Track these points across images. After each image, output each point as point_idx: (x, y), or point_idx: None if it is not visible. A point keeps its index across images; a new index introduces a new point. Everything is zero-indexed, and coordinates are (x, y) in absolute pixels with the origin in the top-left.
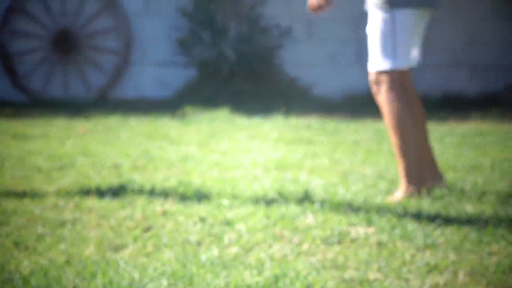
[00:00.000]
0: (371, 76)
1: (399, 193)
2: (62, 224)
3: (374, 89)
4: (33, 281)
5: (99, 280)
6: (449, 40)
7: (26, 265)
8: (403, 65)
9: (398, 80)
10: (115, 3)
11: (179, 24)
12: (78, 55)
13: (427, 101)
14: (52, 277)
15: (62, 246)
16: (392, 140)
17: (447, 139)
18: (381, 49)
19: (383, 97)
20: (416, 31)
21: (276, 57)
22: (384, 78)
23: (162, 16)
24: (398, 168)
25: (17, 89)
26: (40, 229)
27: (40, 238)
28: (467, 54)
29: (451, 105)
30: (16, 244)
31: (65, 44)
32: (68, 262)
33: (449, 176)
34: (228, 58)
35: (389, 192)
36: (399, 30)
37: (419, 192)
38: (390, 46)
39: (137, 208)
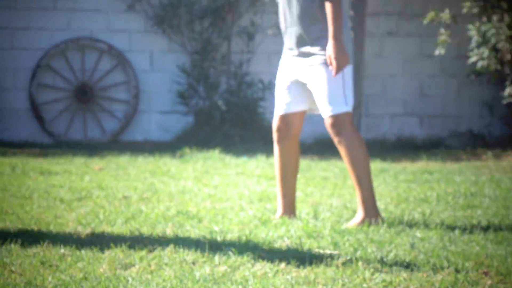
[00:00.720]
0: (328, 121)
1: (357, 219)
2: (81, 245)
3: (334, 131)
4: None
5: None
6: (402, 94)
7: (50, 281)
8: (352, 108)
9: (351, 121)
10: (125, 61)
11: (178, 79)
12: (94, 105)
13: (384, 144)
14: None
15: (80, 265)
16: (352, 174)
17: (400, 176)
18: (336, 97)
19: (345, 136)
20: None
21: (259, 107)
22: (342, 120)
23: (165, 73)
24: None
25: (44, 133)
26: (62, 251)
27: (62, 258)
28: (417, 105)
29: (404, 148)
30: (42, 263)
31: (84, 95)
32: (85, 278)
33: (401, 207)
34: (219, 107)
35: (352, 220)
36: (346, 80)
37: (376, 218)
38: (342, 93)
39: (143, 233)
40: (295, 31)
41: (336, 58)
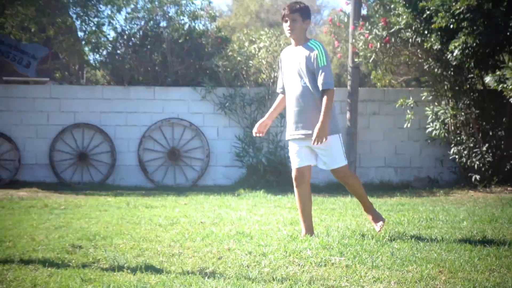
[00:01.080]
0: (336, 172)
1: (376, 222)
2: (173, 255)
3: (341, 178)
4: (156, 287)
5: (193, 287)
6: (383, 153)
7: (153, 278)
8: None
9: (348, 168)
10: (200, 133)
11: (235, 144)
12: (181, 162)
13: (371, 186)
14: (167, 285)
15: (173, 267)
16: (358, 198)
17: (383, 207)
18: (340, 155)
19: (349, 179)
20: None
21: (289, 162)
22: (345, 170)
23: (226, 140)
24: (365, 212)
25: (148, 180)
26: (161, 258)
27: (161, 263)
28: (393, 160)
29: (384, 188)
30: (147, 266)
31: (173, 155)
32: (176, 277)
33: (384, 228)
34: (263, 163)
35: (352, 237)
36: (342, 144)
37: (379, 216)
38: (342, 152)
39: (214, 247)
40: (304, 114)
41: (319, 136)
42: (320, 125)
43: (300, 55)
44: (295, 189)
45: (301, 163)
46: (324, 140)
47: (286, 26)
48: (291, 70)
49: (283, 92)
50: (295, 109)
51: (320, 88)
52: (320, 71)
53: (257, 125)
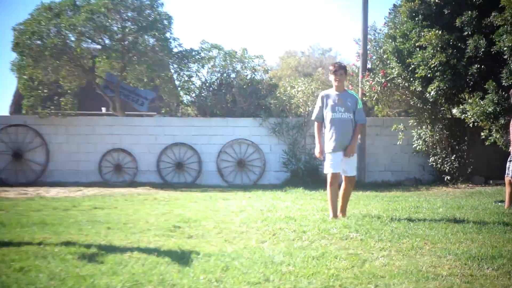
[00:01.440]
0: (350, 178)
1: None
2: (242, 232)
3: (352, 183)
4: (220, 260)
5: (257, 255)
6: (383, 161)
7: (228, 248)
8: None
9: None
10: (259, 149)
11: (283, 156)
12: (245, 168)
13: (376, 185)
14: (239, 253)
15: (242, 241)
16: (346, 199)
17: (384, 198)
18: (355, 167)
19: (353, 185)
20: None
21: (320, 169)
22: (355, 178)
23: (276, 154)
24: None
25: (223, 181)
26: (234, 235)
27: (234, 238)
28: (390, 166)
29: (385, 186)
30: (224, 241)
31: (241, 164)
32: (245, 247)
33: (386, 212)
34: (302, 169)
35: (364, 219)
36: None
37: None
38: (357, 166)
39: (270, 226)
40: (345, 136)
41: (350, 152)
42: (351, 145)
43: (345, 98)
44: (329, 187)
45: (336, 170)
46: (351, 155)
47: (335, 78)
48: (337, 106)
49: (320, 120)
50: (338, 132)
51: (358, 122)
52: (359, 111)
53: (318, 154)
